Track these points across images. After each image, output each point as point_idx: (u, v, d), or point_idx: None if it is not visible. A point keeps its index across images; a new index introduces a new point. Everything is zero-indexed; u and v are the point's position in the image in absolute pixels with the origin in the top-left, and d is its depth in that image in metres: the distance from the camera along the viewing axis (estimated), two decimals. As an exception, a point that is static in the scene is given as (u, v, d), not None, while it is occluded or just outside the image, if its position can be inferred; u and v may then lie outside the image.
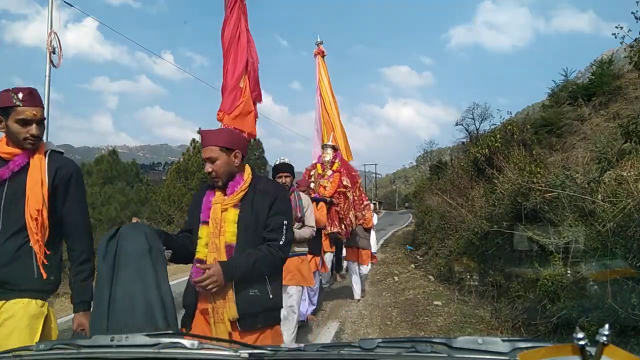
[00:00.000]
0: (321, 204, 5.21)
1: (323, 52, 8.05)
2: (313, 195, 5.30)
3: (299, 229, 4.02)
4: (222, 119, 4.41)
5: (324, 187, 5.97)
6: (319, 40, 8.10)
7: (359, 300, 7.24)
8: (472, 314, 5.89)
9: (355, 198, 6.43)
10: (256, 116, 4.83)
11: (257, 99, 4.86)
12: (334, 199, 5.92)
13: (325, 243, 7.67)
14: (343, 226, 6.06)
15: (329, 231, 5.93)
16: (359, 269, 7.28)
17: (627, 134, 4.65)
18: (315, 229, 4.16)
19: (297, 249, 3.96)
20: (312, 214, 4.17)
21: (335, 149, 6.55)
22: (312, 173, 6.25)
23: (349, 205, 6.11)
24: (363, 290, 7.60)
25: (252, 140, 6.07)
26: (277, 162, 4.35)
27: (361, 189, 6.79)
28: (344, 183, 6.10)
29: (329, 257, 8.02)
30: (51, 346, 1.04)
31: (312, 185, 5.70)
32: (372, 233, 11.74)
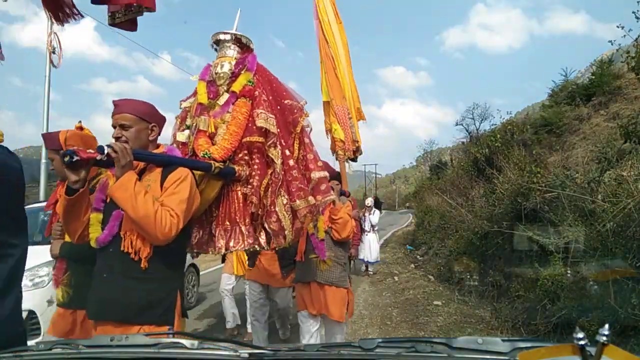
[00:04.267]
0: (179, 175, 1.95)
1: None
2: (164, 152, 2.15)
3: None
4: None
5: (210, 137, 2.35)
6: None
7: None
8: (472, 314, 5.89)
9: (293, 164, 2.43)
10: None
11: None
12: (235, 166, 2.28)
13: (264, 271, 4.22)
14: (263, 236, 2.33)
15: (219, 250, 2.31)
16: (320, 328, 3.41)
17: (627, 134, 4.65)
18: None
19: None
20: None
21: (244, 46, 2.57)
22: (184, 105, 2.60)
23: (276, 182, 2.34)
24: None
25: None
26: None
27: (308, 144, 2.61)
28: (259, 124, 2.31)
29: (285, 303, 4.57)
30: (51, 346, 1.04)
31: (178, 134, 2.47)
32: (373, 236, 9.47)
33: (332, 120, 4.30)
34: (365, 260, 9.42)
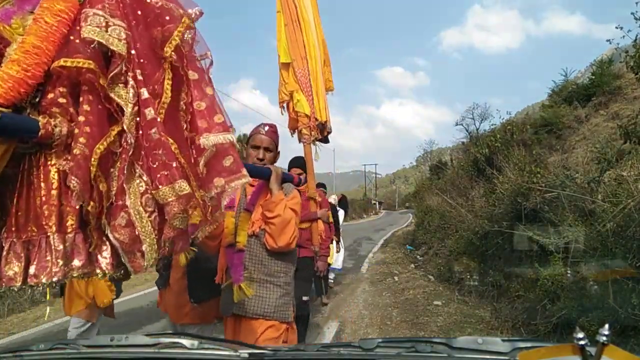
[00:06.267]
0: None
1: None
2: None
3: None
4: None
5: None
6: None
7: None
8: (472, 314, 5.89)
9: (154, 116, 1.10)
10: None
11: None
12: (40, 118, 1.02)
13: None
14: (107, 252, 1.10)
15: (8, 283, 1.01)
16: None
17: (627, 134, 4.65)
18: None
19: None
20: None
21: None
22: None
23: (127, 150, 1.09)
24: None
25: None
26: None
27: (198, 81, 1.25)
28: (86, 34, 1.05)
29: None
30: (51, 346, 1.04)
31: None
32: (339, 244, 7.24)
33: (294, 87, 3.13)
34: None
